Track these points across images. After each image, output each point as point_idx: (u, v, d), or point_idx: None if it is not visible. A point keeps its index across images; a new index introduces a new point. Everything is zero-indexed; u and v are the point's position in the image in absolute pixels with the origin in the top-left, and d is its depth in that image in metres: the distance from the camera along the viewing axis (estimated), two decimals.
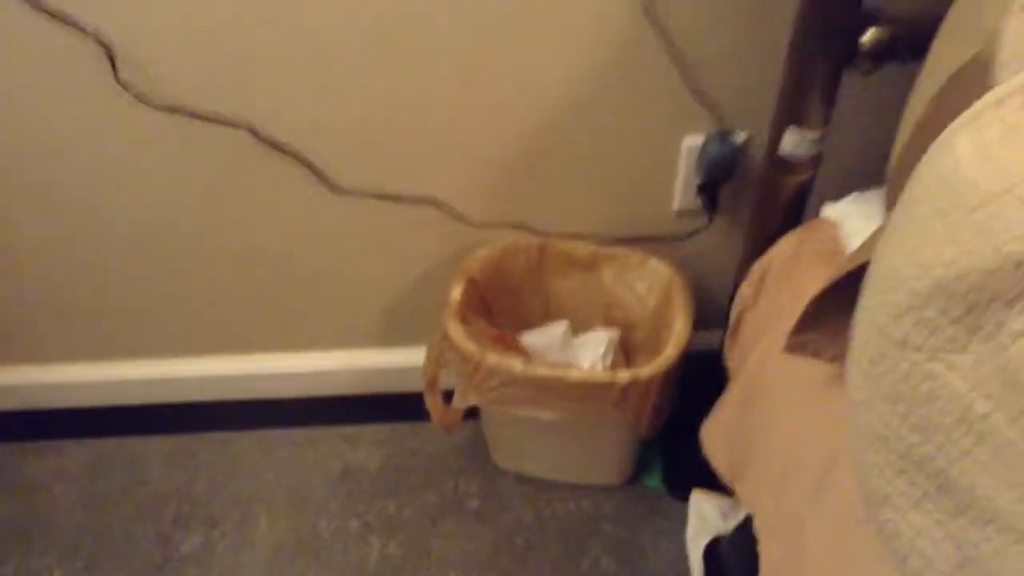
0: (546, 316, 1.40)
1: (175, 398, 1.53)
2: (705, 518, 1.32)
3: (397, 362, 1.49)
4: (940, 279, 0.54)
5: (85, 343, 1.46)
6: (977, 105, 0.54)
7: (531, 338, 1.35)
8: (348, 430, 1.51)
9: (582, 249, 1.32)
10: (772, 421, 0.97)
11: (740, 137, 1.19)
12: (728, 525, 1.28)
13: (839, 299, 0.75)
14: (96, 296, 1.38)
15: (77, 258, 1.33)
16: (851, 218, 0.97)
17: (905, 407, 0.60)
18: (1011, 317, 0.51)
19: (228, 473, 1.45)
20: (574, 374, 1.14)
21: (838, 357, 0.79)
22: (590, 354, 1.33)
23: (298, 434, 1.51)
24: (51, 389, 1.50)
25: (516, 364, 1.14)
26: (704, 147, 1.20)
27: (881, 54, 0.91)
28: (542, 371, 1.14)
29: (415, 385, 1.30)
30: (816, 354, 0.82)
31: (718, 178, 1.21)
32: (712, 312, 1.29)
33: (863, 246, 0.74)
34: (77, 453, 1.48)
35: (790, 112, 0.97)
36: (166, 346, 1.47)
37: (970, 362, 0.54)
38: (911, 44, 0.83)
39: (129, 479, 1.44)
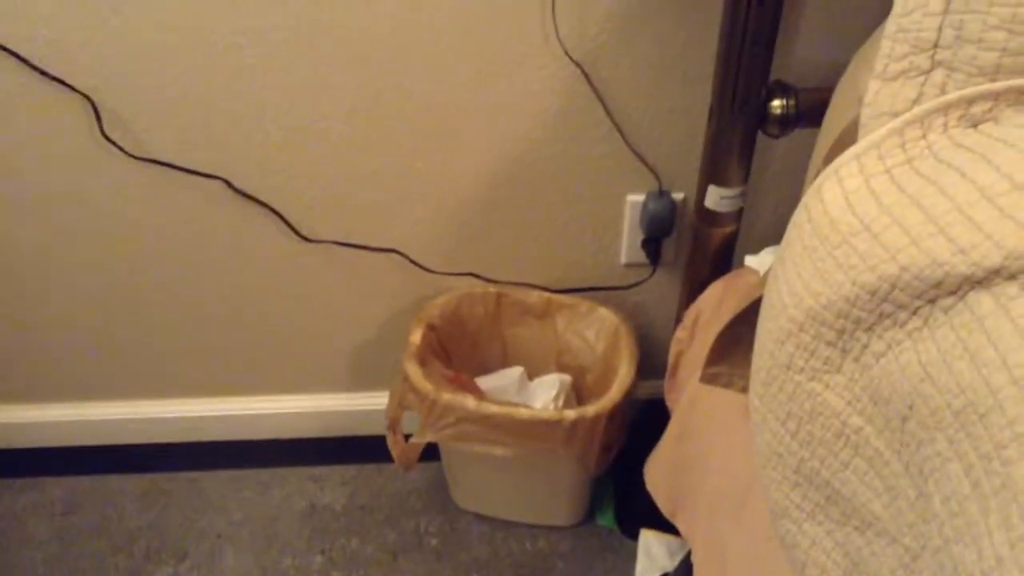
0: (503, 362, 1.46)
1: (149, 439, 1.58)
2: (653, 556, 1.37)
3: (362, 405, 1.55)
4: (811, 308, 0.61)
5: (63, 385, 1.51)
6: (841, 158, 0.62)
7: (488, 382, 1.41)
8: (315, 470, 1.56)
9: (536, 298, 1.39)
10: (702, 453, 1.04)
11: (678, 195, 1.28)
12: (675, 563, 1.34)
13: (746, 334, 0.82)
14: (74, 339, 1.43)
15: (54, 301, 1.38)
16: (768, 266, 1.05)
17: (794, 424, 0.67)
18: (873, 340, 0.57)
19: (198, 510, 1.50)
20: (523, 412, 1.20)
21: (747, 388, 0.87)
22: (543, 397, 1.39)
23: (266, 474, 1.56)
24: (30, 428, 1.54)
25: (469, 401, 1.20)
26: (645, 204, 1.28)
27: (787, 120, 1.00)
28: (493, 409, 1.20)
29: (379, 428, 1.35)
30: (728, 385, 0.89)
31: (659, 233, 1.29)
32: (664, 361, 1.36)
33: (760, 282, 0.82)
34: (54, 490, 1.53)
35: (712, 171, 1.06)
36: (141, 389, 1.52)
37: (844, 381, 0.61)
38: (813, 111, 0.92)
39: (103, 515, 1.49)
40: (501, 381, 1.41)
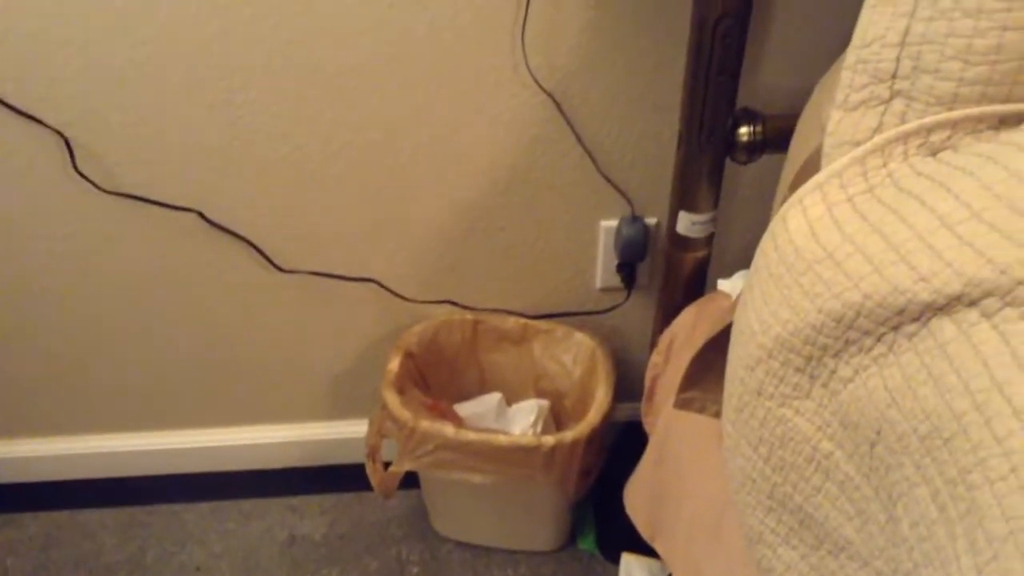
0: (481, 388, 1.46)
1: (127, 472, 1.57)
2: None
3: (341, 434, 1.54)
4: (779, 335, 0.61)
5: (39, 419, 1.50)
6: (804, 187, 0.63)
7: (466, 408, 1.41)
8: (294, 500, 1.55)
9: (512, 324, 1.40)
10: (679, 477, 1.04)
11: (650, 219, 1.29)
12: None
13: (718, 360, 0.83)
14: (49, 373, 1.43)
15: (29, 336, 1.37)
16: (739, 290, 1.06)
17: (766, 450, 0.67)
18: (840, 366, 0.58)
19: (178, 543, 1.49)
20: (501, 439, 1.21)
21: (720, 413, 0.87)
22: (522, 422, 1.39)
23: (246, 505, 1.55)
24: (6, 463, 1.53)
25: (448, 429, 1.20)
26: (618, 230, 1.29)
27: (754, 147, 1.02)
28: (472, 436, 1.20)
29: (359, 456, 1.34)
30: (701, 410, 0.90)
31: (633, 257, 1.30)
32: (642, 383, 1.37)
33: (732, 308, 0.83)
34: (31, 526, 1.51)
35: (682, 197, 1.08)
36: (118, 422, 1.51)
37: (813, 407, 0.61)
38: (780, 137, 0.94)
39: (82, 550, 1.47)
40: (479, 407, 1.42)
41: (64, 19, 1.06)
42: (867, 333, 0.55)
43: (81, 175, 1.18)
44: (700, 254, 1.14)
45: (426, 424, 1.21)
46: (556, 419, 1.44)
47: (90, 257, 1.29)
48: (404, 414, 1.22)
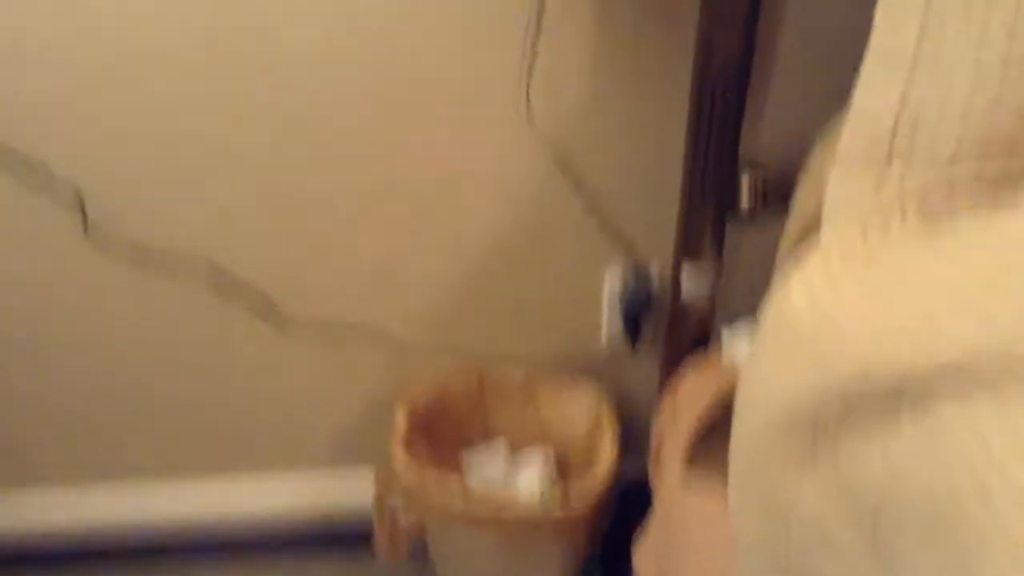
0: (486, 437, 1.45)
1: (134, 526, 1.55)
2: None
3: (349, 486, 1.53)
4: (783, 402, 0.60)
5: (43, 470, 1.49)
6: (805, 253, 0.62)
7: (472, 458, 1.40)
8: (302, 555, 1.53)
9: (518, 375, 1.39)
10: (685, 536, 1.02)
11: (655, 271, 1.28)
12: None
13: (723, 424, 0.81)
14: (55, 423, 1.42)
15: (35, 387, 1.37)
16: (744, 337, 1.04)
17: (771, 518, 0.66)
18: (843, 435, 0.57)
19: None
20: (509, 507, 1.20)
21: (726, 478, 0.86)
22: (528, 472, 1.38)
23: (254, 562, 1.53)
24: (10, 516, 1.52)
25: (456, 493, 1.19)
26: (623, 281, 1.28)
27: (758, 199, 1.01)
28: (479, 502, 1.19)
29: (367, 515, 1.34)
30: (707, 477, 0.89)
31: (639, 309, 1.30)
32: (648, 433, 1.35)
33: (731, 375, 0.82)
34: None
35: (686, 249, 1.07)
36: (124, 472, 1.50)
37: (818, 476, 0.60)
38: (783, 188, 0.92)
39: None
40: (485, 456, 1.41)
41: (72, 73, 1.08)
42: (869, 403, 0.54)
43: (90, 226, 1.18)
44: (705, 304, 1.13)
45: (434, 486, 1.20)
46: (562, 469, 1.43)
47: (96, 307, 1.29)
48: (411, 477, 1.22)
